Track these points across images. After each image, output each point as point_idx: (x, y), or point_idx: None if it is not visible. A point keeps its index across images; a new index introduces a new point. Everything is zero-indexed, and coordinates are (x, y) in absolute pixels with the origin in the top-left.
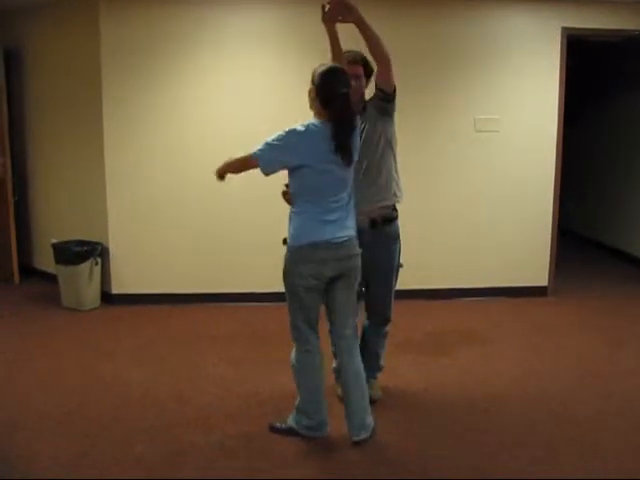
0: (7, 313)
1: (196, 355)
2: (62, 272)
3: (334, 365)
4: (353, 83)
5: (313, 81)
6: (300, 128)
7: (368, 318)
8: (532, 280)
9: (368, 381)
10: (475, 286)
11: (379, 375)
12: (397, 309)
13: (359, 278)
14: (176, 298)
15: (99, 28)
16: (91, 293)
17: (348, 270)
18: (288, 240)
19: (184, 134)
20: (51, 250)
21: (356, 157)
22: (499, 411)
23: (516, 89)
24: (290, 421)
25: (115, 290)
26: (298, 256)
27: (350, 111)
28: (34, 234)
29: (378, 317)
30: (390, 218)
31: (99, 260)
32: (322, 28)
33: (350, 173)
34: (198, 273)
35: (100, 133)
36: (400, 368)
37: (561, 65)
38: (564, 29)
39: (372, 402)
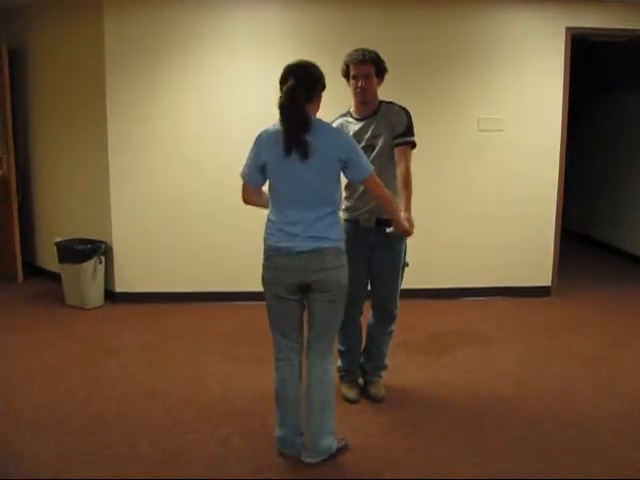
0: (11, 311)
1: (200, 353)
2: (66, 270)
3: (338, 364)
4: (361, 83)
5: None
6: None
7: (373, 316)
8: (535, 280)
9: (372, 380)
10: (478, 286)
11: (383, 374)
12: (401, 308)
13: (340, 291)
14: (180, 296)
15: (103, 27)
16: (95, 291)
17: (320, 284)
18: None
19: (188, 134)
20: (55, 249)
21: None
22: (502, 411)
23: (520, 89)
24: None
25: (119, 288)
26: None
27: (289, 108)
28: (38, 233)
29: (384, 315)
30: None
31: (103, 259)
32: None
33: (313, 174)
34: (202, 271)
35: (104, 132)
36: (404, 367)
37: (565, 64)
38: (568, 29)
39: (377, 401)
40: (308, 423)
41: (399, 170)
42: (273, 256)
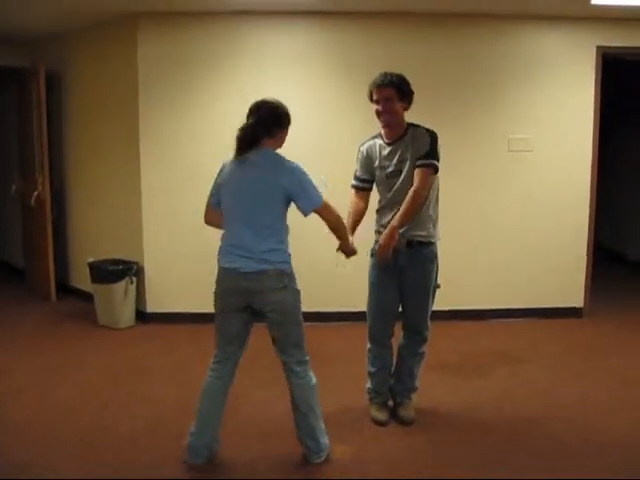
0: (44, 330)
1: None
2: (98, 290)
3: (368, 385)
4: (381, 106)
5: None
6: None
7: (404, 337)
8: (567, 301)
9: (402, 402)
10: (509, 307)
11: (414, 396)
12: (432, 330)
13: (287, 314)
14: (211, 317)
15: (137, 52)
16: (126, 311)
17: (262, 305)
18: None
19: (220, 154)
20: (87, 269)
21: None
22: (534, 433)
23: (550, 108)
24: None
25: (150, 309)
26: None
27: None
28: (71, 253)
29: (414, 336)
30: (427, 241)
31: (134, 279)
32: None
33: (256, 196)
34: None
35: (137, 154)
36: (434, 389)
37: (596, 84)
38: (599, 48)
39: (407, 423)
40: (299, 426)
41: (412, 187)
42: (221, 275)
